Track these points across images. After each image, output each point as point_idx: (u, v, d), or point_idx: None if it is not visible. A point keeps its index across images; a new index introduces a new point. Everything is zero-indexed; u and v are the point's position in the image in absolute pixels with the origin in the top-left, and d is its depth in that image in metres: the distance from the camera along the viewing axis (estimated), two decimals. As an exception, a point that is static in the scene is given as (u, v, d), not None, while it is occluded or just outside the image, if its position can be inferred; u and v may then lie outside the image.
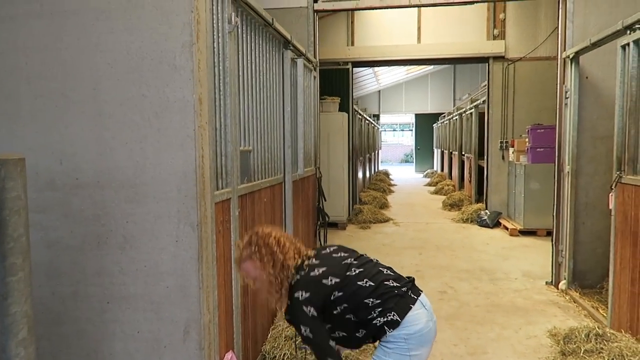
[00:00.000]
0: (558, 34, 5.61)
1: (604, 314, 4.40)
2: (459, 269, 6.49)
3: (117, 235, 2.46)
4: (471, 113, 12.57)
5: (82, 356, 2.52)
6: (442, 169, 20.47)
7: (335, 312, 2.24)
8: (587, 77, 5.25)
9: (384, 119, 28.60)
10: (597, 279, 5.25)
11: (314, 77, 5.52)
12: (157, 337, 2.47)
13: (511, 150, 9.28)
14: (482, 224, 9.57)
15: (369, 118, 17.07)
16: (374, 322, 2.23)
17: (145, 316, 2.47)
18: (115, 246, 2.46)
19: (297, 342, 2.63)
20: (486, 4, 9.93)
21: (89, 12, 2.54)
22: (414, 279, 2.45)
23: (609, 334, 3.63)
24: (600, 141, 5.21)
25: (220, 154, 2.90)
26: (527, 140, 8.59)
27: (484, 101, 10.67)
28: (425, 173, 24.00)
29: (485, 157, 10.17)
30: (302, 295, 2.20)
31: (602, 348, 3.45)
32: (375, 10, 8.43)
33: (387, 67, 17.15)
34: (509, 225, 8.81)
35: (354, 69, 10.57)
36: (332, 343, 2.23)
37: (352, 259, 2.36)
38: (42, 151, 2.57)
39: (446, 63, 16.45)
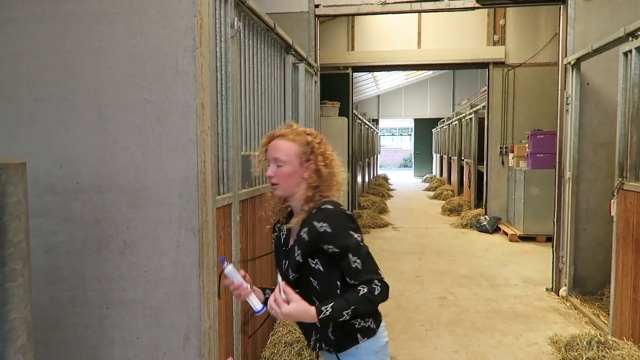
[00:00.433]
0: (559, 40, 5.62)
1: (605, 321, 4.38)
2: (458, 275, 6.47)
3: (117, 240, 2.44)
4: (471, 118, 12.58)
5: (81, 362, 2.49)
6: (441, 174, 20.48)
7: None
8: (588, 84, 5.25)
9: (382, 123, 28.63)
10: (598, 286, 5.24)
11: (315, 82, 5.51)
12: (156, 343, 2.44)
13: (511, 155, 9.28)
14: (482, 229, 9.56)
15: (368, 122, 17.08)
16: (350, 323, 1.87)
17: (145, 322, 2.44)
18: (115, 251, 2.44)
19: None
20: (486, 10, 9.96)
21: (91, 15, 2.53)
22: None
23: (610, 342, 3.61)
24: (601, 147, 5.21)
25: (221, 159, 2.89)
26: (527, 145, 8.59)
27: (483, 106, 10.68)
28: (424, 178, 24.01)
29: (485, 162, 10.17)
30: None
31: (604, 356, 3.44)
32: (375, 16, 8.44)
33: (386, 72, 17.16)
34: (509, 231, 8.79)
35: (354, 73, 10.58)
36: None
37: None
38: (43, 155, 2.55)
39: (446, 68, 16.53)
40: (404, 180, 23.81)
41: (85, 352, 2.47)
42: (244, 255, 3.20)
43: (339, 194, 1.99)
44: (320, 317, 1.71)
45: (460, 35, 10.25)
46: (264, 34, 3.74)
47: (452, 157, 16.36)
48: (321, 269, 1.86)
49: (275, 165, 1.90)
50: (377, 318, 1.98)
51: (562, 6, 5.47)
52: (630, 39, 3.90)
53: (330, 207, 1.87)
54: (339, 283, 1.87)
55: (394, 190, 18.44)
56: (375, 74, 18.98)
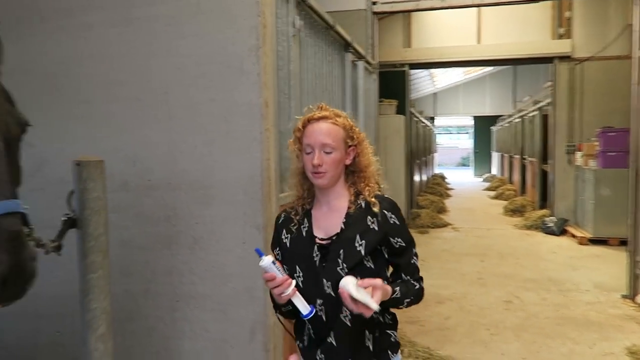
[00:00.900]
0: (632, 31, 5.27)
1: (690, 331, 4.06)
2: (524, 278, 6.21)
3: (186, 236, 2.52)
4: (534, 115, 12.05)
5: (152, 353, 2.59)
6: (502, 173, 19.77)
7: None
8: (667, 76, 4.89)
9: (438, 121, 28.01)
10: (680, 293, 4.86)
11: (374, 80, 5.47)
12: (224, 337, 2.49)
13: (579, 154, 8.81)
14: (548, 231, 9.12)
15: (425, 120, 16.77)
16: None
17: (213, 316, 2.50)
18: (185, 247, 2.52)
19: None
20: (550, 2, 9.51)
21: (161, 18, 2.62)
22: None
23: (697, 353, 3.34)
24: (684, 144, 4.83)
25: (284, 157, 2.91)
26: (597, 143, 8.12)
27: (548, 103, 10.20)
28: (484, 177, 23.27)
29: (550, 161, 9.71)
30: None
31: (691, 368, 3.18)
32: (433, 11, 8.26)
33: (444, 68, 16.77)
34: (578, 234, 8.34)
35: (410, 70, 10.40)
36: None
37: None
38: (116, 153, 2.66)
39: (508, 64, 15.90)
40: (462, 180, 23.18)
41: (156, 343, 2.57)
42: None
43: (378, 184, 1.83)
44: (393, 296, 1.63)
45: (523, 29, 9.84)
46: (323, 33, 3.74)
47: (514, 156, 15.75)
48: (372, 265, 1.70)
49: (323, 152, 1.69)
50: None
51: (636, -6, 5.13)
52: None
53: (389, 197, 1.80)
54: (385, 282, 1.70)
55: (452, 189, 17.98)
56: (432, 71, 18.61)
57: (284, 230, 1.79)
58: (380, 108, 8.43)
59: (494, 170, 23.84)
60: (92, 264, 1.78)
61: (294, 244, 1.75)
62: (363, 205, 1.72)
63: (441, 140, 34.70)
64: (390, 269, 1.79)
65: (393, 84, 9.76)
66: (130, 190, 2.60)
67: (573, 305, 5.16)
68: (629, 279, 5.31)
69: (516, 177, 15.07)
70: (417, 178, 12.66)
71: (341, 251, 1.67)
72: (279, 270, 1.58)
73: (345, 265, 1.66)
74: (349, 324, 1.64)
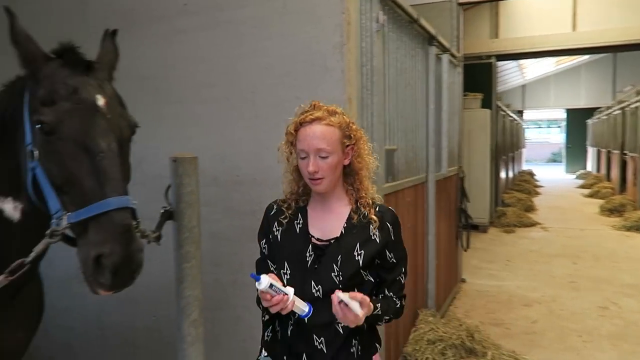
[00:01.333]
0: None
1: None
2: (622, 283, 5.75)
3: (271, 230, 2.60)
4: (637, 107, 11.06)
5: (239, 341, 2.71)
6: (598, 170, 18.37)
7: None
8: None
9: (527, 115, 26.54)
10: None
11: (459, 73, 5.30)
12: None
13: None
14: (651, 233, 8.37)
15: (512, 114, 15.98)
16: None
17: (296, 308, 2.56)
18: (269, 240, 2.60)
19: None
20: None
21: (248, 21, 2.72)
22: None
23: None
24: None
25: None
26: None
27: (654, 92, 9.31)
28: (577, 174, 21.75)
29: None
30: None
31: None
32: (523, -1, 7.83)
33: (534, 59, 15.85)
34: (687, 236, 7.57)
35: (497, 62, 9.95)
36: None
37: None
38: (207, 151, 2.81)
39: (607, 52, 14.71)
40: (553, 177, 21.84)
41: (243, 331, 2.68)
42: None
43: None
44: (374, 312, 1.56)
45: (624, 13, 9.05)
46: (406, 27, 3.68)
47: (612, 151, 14.57)
48: (369, 277, 1.66)
49: (318, 157, 1.59)
50: None
51: None
52: None
53: (391, 209, 1.74)
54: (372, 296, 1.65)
55: (542, 187, 17.01)
56: (521, 62, 17.65)
57: (275, 223, 1.71)
58: (464, 102, 8.17)
59: (589, 166, 22.19)
60: (186, 254, 1.89)
61: (285, 239, 1.68)
62: (366, 213, 1.65)
63: (530, 135, 32.89)
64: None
65: (478, 76, 9.39)
66: (220, 186, 2.73)
67: (682, 315, 4.71)
68: None
69: (614, 173, 13.94)
70: (503, 175, 12.11)
71: (339, 257, 1.60)
72: (278, 290, 1.50)
73: (341, 272, 1.59)
74: (340, 330, 1.61)
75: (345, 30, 2.49)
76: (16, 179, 1.57)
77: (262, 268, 1.74)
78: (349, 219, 1.65)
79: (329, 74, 2.52)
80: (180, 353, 1.84)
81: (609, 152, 15.46)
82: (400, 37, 3.52)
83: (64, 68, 1.48)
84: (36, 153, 1.45)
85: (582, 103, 22.11)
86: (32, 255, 1.43)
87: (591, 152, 21.89)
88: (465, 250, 5.72)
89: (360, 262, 1.60)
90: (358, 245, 1.61)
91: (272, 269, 1.70)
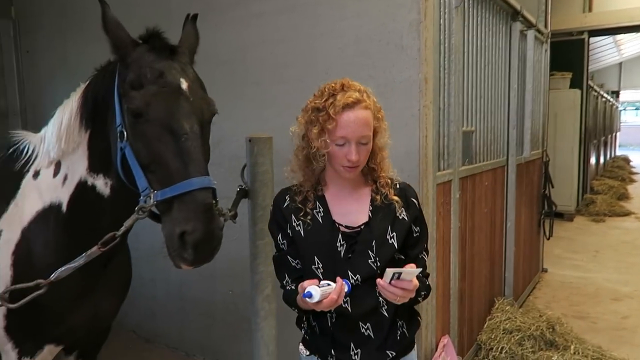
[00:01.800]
0: None
1: None
2: None
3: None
4: None
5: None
6: None
7: None
8: None
9: (624, 95, 24.44)
10: None
11: (545, 51, 4.97)
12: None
13: None
14: None
15: (606, 95, 14.78)
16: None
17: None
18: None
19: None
20: None
21: (324, 2, 2.71)
22: None
23: None
24: None
25: (442, 135, 2.82)
26: None
27: None
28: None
29: None
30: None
31: None
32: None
33: (633, 34, 14.49)
34: None
35: (590, 39, 9.19)
36: None
37: None
38: (281, 131, 2.83)
39: None
40: (652, 163, 20.02)
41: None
42: (462, 233, 3.11)
43: None
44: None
45: None
46: (488, 1, 3.50)
47: None
48: (399, 257, 1.59)
49: (360, 144, 1.50)
50: None
51: None
52: None
53: (407, 182, 1.69)
54: None
55: (637, 174, 15.66)
56: (618, 37, 16.20)
57: (293, 216, 1.62)
58: (551, 82, 7.68)
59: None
60: (260, 231, 1.95)
61: (309, 232, 1.58)
62: (387, 194, 1.57)
63: (627, 117, 30.28)
64: None
65: (568, 54, 8.75)
66: (292, 166, 2.77)
67: None
68: None
69: None
70: (593, 160, 11.29)
71: (373, 242, 1.53)
72: (325, 286, 1.42)
73: (377, 258, 1.52)
74: (386, 314, 1.56)
75: (423, 7, 2.40)
76: (106, 158, 1.68)
77: (283, 267, 1.68)
78: (372, 200, 1.58)
79: (405, 53, 2.45)
80: (254, 326, 1.92)
81: None
82: (481, 13, 3.35)
83: (150, 53, 1.55)
84: (125, 134, 1.54)
85: (689, 81, 20.01)
86: (122, 229, 1.54)
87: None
88: (548, 239, 5.42)
89: (396, 245, 1.54)
90: (389, 228, 1.55)
91: (294, 264, 1.64)
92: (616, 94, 21.21)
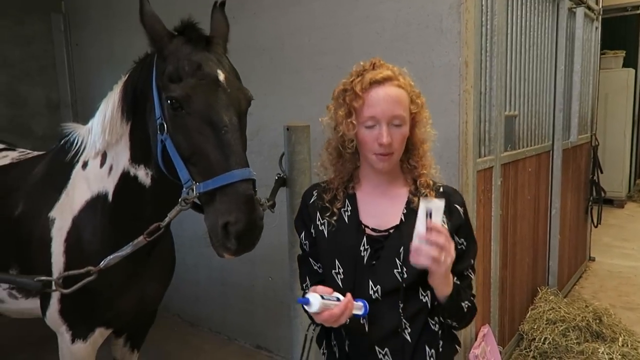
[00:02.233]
0: None
1: None
2: None
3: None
4: None
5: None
6: None
7: None
8: None
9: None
10: None
11: (596, 28, 4.73)
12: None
13: None
14: None
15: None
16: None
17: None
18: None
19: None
20: None
21: (362, -14, 2.66)
22: None
23: None
24: None
25: (484, 120, 2.75)
26: None
27: None
28: None
29: None
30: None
31: None
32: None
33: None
34: None
35: (646, 14, 8.66)
36: None
37: None
38: (317, 120, 2.83)
39: None
40: None
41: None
42: (503, 221, 3.03)
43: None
44: (452, 292, 1.27)
45: None
46: (534, -21, 3.35)
47: None
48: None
49: (393, 126, 1.31)
50: None
51: None
52: None
53: (454, 188, 1.47)
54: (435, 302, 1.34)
55: (696, 157, 14.79)
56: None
57: (318, 214, 1.43)
58: (602, 61, 7.32)
59: None
60: (298, 219, 1.96)
61: (332, 233, 1.39)
62: (427, 194, 1.35)
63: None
64: None
65: (621, 31, 8.29)
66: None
67: None
68: None
69: None
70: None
71: (401, 249, 1.30)
72: (332, 299, 1.20)
73: (405, 269, 1.28)
74: (408, 338, 1.32)
75: (464, -12, 2.33)
76: (147, 149, 1.72)
77: (305, 269, 1.51)
78: (409, 202, 1.37)
79: (444, 36, 2.39)
80: (292, 312, 1.95)
81: None
82: (526, -9, 3.22)
83: (186, 45, 1.57)
84: (166, 126, 1.57)
85: None
86: (167, 220, 1.58)
87: None
88: (596, 227, 5.21)
89: None
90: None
91: (315, 267, 1.46)
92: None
